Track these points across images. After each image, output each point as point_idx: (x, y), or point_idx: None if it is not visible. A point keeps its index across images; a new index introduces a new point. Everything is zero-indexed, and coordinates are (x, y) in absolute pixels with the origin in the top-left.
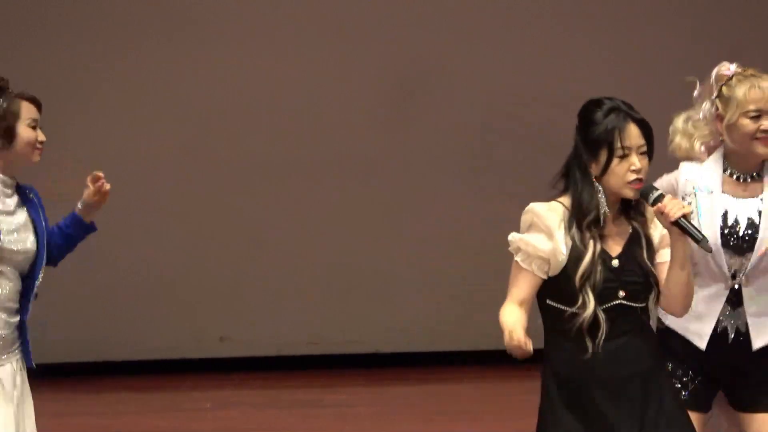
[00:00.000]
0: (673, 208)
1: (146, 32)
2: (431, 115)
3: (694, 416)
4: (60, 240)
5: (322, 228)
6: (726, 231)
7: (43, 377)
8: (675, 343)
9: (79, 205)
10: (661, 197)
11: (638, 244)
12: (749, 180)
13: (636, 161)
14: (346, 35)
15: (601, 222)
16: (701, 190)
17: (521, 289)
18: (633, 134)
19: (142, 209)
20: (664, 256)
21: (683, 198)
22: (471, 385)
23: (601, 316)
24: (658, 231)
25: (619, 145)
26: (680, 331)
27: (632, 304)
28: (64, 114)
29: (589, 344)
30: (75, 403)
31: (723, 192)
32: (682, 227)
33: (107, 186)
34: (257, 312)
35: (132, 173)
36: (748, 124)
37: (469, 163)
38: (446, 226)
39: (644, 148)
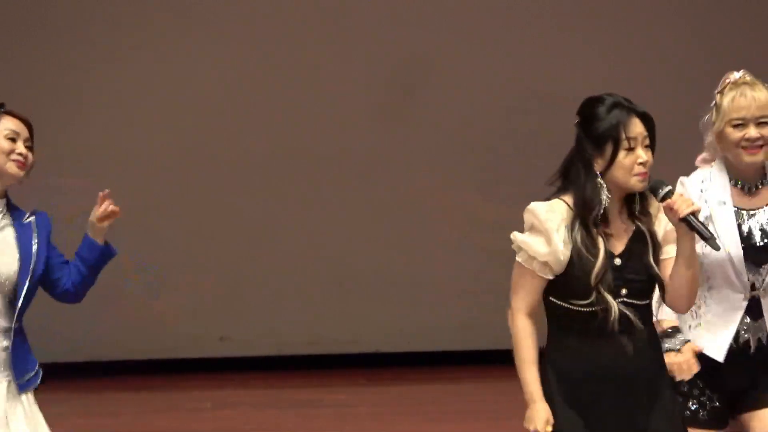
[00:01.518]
0: (682, 204)
1: (145, 32)
2: (432, 114)
3: None
4: (77, 272)
5: (322, 228)
6: (743, 244)
7: (44, 377)
8: (697, 359)
9: (89, 227)
10: (670, 193)
11: (642, 242)
12: (755, 190)
13: (642, 154)
14: (345, 34)
15: (603, 217)
16: (714, 203)
17: (528, 291)
18: (637, 127)
19: (142, 209)
20: (669, 252)
21: None
22: (471, 385)
23: (615, 313)
24: (662, 227)
25: (624, 137)
26: (702, 349)
27: (635, 301)
28: (63, 114)
29: (601, 341)
30: (75, 403)
31: (734, 205)
32: (690, 224)
33: (114, 208)
34: (257, 312)
35: (132, 173)
36: (732, 132)
37: (470, 162)
38: (447, 225)
39: (648, 141)
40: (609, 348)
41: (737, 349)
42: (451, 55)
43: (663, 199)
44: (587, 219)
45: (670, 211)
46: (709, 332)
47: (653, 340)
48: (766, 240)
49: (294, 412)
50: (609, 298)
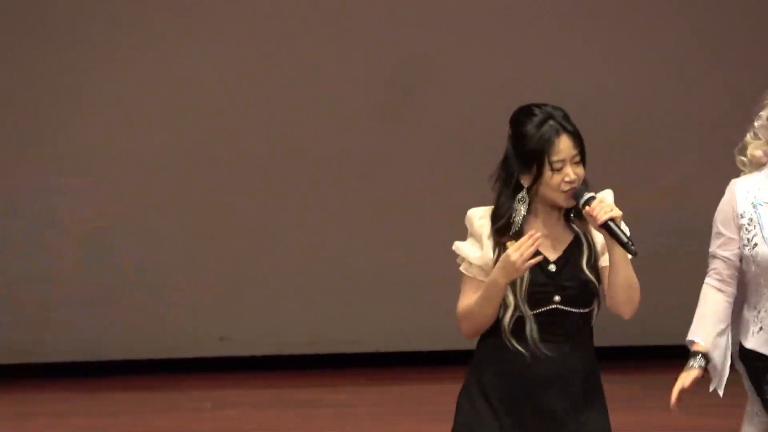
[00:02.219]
0: (600, 210)
1: (145, 32)
2: (432, 114)
3: None
4: None
5: (322, 227)
6: None
7: (43, 377)
8: (764, 364)
9: None
10: (591, 200)
11: (579, 250)
12: None
13: (570, 173)
14: (345, 34)
15: (512, 230)
16: (761, 203)
17: (469, 298)
18: (565, 147)
19: (142, 209)
20: (606, 260)
21: (741, 216)
22: None
23: (529, 318)
24: (601, 235)
25: (552, 159)
26: (764, 351)
27: (569, 309)
28: (63, 114)
29: (519, 347)
30: (75, 403)
31: None
32: (609, 230)
33: None
34: (257, 312)
35: (132, 173)
36: None
37: (470, 162)
38: (447, 225)
39: (578, 158)
40: (524, 355)
41: None
42: (451, 55)
43: (584, 206)
44: (493, 227)
45: (590, 218)
46: None
47: (586, 351)
48: None
49: (294, 412)
50: (524, 307)
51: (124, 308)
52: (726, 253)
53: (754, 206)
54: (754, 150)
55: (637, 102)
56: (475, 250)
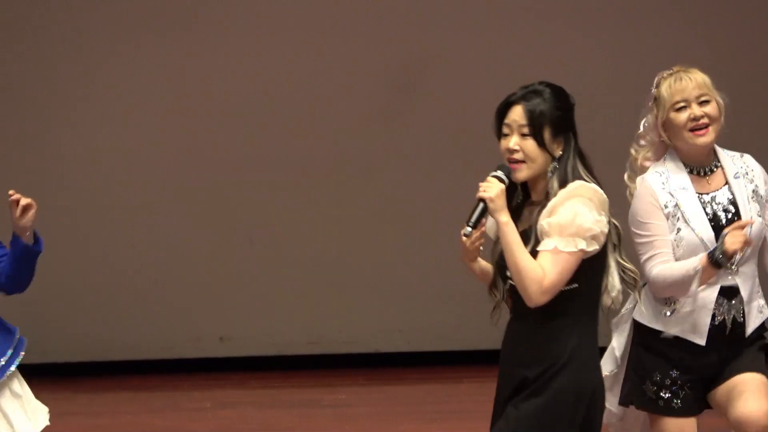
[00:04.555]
0: (481, 187)
1: (144, 30)
2: (432, 114)
3: (686, 422)
4: (8, 265)
5: (321, 227)
6: (712, 225)
7: (43, 377)
8: (667, 346)
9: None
10: (497, 178)
11: (532, 233)
12: (710, 173)
13: (510, 142)
14: (345, 34)
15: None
16: (676, 190)
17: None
18: (513, 114)
19: (141, 209)
20: (542, 245)
21: (665, 206)
22: (471, 385)
23: (501, 297)
24: (546, 220)
25: (503, 129)
26: (676, 333)
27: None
28: (63, 114)
29: (510, 322)
30: (75, 403)
31: (696, 192)
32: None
33: (23, 201)
34: (257, 312)
35: (132, 172)
36: (676, 116)
37: (469, 160)
38: (446, 224)
39: (526, 129)
40: (510, 329)
41: (715, 330)
42: (450, 53)
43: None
44: None
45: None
46: (687, 318)
47: (546, 332)
48: (729, 219)
49: (294, 412)
50: (500, 283)
51: (123, 308)
52: (667, 237)
53: (672, 195)
54: (644, 161)
55: (640, 100)
56: None
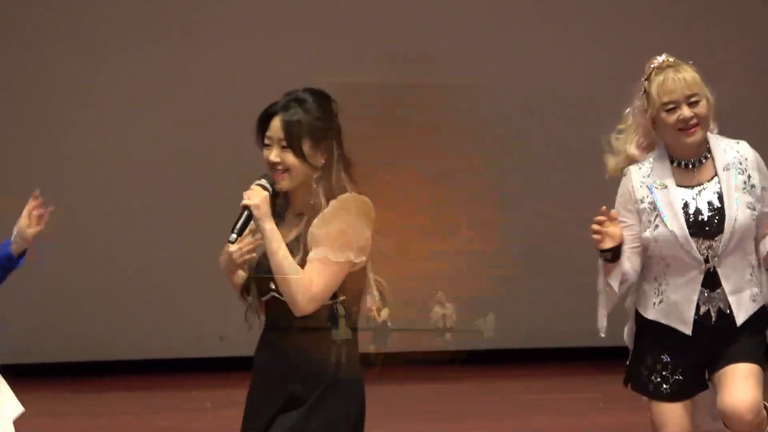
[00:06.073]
0: (246, 194)
1: (143, 31)
2: (432, 114)
3: (677, 406)
4: None
5: None
6: (692, 220)
7: (43, 377)
8: (660, 334)
9: (15, 231)
10: (261, 186)
11: (300, 242)
12: (697, 165)
13: (271, 154)
14: (344, 34)
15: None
16: (656, 187)
17: None
18: (272, 128)
19: (141, 209)
20: (311, 254)
21: (641, 201)
22: (471, 385)
23: (255, 305)
24: (318, 230)
25: (262, 137)
26: (665, 321)
27: (280, 297)
28: (63, 114)
29: (265, 332)
30: (75, 403)
31: (678, 185)
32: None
33: (38, 211)
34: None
35: (132, 173)
36: (666, 117)
37: (468, 160)
38: (446, 225)
39: (284, 143)
40: (265, 340)
41: (700, 320)
42: (451, 54)
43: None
44: None
45: None
46: (672, 308)
47: (310, 345)
48: (714, 214)
49: None
50: (254, 290)
51: (124, 308)
52: (632, 233)
53: (650, 190)
54: (632, 150)
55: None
56: None
